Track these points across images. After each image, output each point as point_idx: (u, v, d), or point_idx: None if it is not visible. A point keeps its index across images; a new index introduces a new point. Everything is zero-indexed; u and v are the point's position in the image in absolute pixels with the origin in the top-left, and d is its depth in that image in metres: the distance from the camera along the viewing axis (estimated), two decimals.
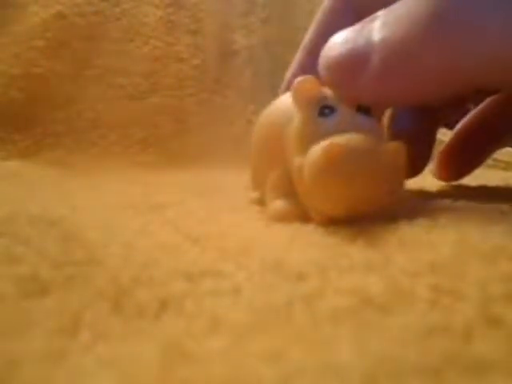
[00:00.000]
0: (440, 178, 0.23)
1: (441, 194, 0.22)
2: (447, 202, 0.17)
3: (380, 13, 0.14)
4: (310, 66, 0.19)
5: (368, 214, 0.13)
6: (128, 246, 0.12)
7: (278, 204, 0.15)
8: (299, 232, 0.13)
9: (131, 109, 0.45)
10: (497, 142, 0.23)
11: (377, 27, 0.14)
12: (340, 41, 0.14)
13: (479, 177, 0.25)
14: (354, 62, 0.14)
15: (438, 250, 0.10)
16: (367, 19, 0.14)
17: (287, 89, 0.18)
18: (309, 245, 0.12)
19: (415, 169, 0.21)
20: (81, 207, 0.18)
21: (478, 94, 0.21)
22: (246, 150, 0.20)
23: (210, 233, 0.13)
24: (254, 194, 0.20)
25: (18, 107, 0.42)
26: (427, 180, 0.24)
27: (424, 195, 0.21)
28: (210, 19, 0.51)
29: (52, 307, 0.08)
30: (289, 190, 0.15)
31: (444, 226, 0.12)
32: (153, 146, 0.44)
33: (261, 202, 0.19)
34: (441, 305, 0.08)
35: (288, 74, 0.20)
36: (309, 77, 0.14)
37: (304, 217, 0.14)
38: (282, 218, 0.15)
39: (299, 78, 0.14)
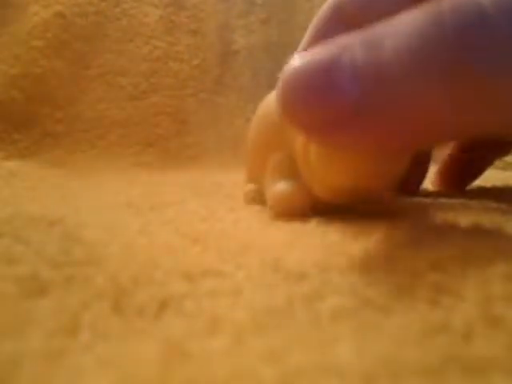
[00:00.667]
0: (442, 186, 0.23)
1: (440, 195, 0.22)
2: (447, 202, 0.17)
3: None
4: None
5: (370, 195, 0.13)
6: (128, 246, 0.12)
7: (280, 186, 0.15)
8: (299, 232, 0.13)
9: (131, 109, 0.45)
10: (499, 152, 0.23)
11: (358, 47, 0.10)
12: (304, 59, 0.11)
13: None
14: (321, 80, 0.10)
15: (438, 250, 0.10)
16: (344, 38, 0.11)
17: None
18: (309, 245, 0.12)
19: (410, 188, 0.21)
20: (81, 207, 0.18)
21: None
22: (245, 150, 0.20)
23: (209, 233, 0.13)
24: (250, 186, 0.20)
25: (18, 107, 0.42)
26: (427, 180, 0.24)
27: (424, 195, 0.21)
28: (210, 19, 0.51)
29: (52, 307, 0.08)
30: (290, 172, 0.15)
31: (444, 226, 0.12)
32: (153, 146, 0.44)
33: (257, 193, 0.19)
34: (441, 305, 0.08)
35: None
36: None
37: (305, 200, 0.14)
38: (284, 199, 0.15)
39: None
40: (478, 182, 0.24)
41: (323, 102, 0.10)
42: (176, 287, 0.09)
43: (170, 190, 0.25)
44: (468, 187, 0.24)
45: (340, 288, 0.09)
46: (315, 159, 0.13)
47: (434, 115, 0.10)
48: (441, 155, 0.24)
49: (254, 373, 0.06)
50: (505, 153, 0.24)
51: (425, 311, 0.07)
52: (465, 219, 0.13)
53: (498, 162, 0.44)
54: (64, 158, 0.40)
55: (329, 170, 0.13)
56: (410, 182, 0.21)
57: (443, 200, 0.20)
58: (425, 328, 0.07)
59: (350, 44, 0.10)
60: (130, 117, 0.44)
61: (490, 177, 0.25)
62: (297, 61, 0.11)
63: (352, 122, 0.10)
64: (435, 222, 0.13)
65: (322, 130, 0.10)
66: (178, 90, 0.47)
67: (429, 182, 0.23)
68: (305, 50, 0.18)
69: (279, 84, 0.11)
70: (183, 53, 0.49)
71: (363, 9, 0.16)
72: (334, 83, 0.10)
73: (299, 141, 0.13)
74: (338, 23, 0.17)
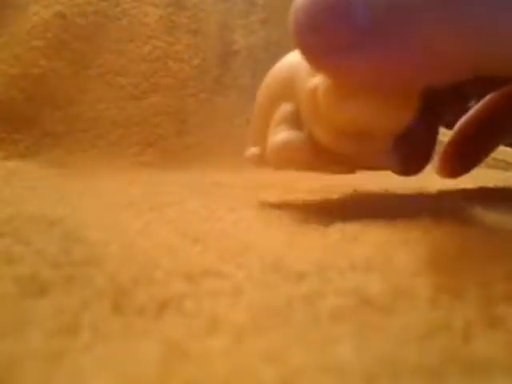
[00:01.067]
0: (442, 174, 0.23)
1: (441, 194, 0.22)
2: (447, 201, 0.17)
3: None
4: None
5: (374, 143, 0.13)
6: (128, 246, 0.12)
7: (283, 134, 0.15)
8: (299, 232, 0.13)
9: (131, 109, 0.45)
10: (499, 138, 0.23)
11: None
12: None
13: (479, 177, 0.25)
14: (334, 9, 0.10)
15: (438, 249, 0.10)
16: None
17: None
18: (309, 245, 0.12)
19: (416, 166, 0.21)
20: (81, 207, 0.18)
21: (477, 85, 0.21)
22: (245, 150, 0.20)
23: (209, 233, 0.13)
24: (254, 149, 0.19)
25: (18, 107, 0.42)
26: (428, 179, 0.24)
27: (424, 195, 0.21)
28: (210, 19, 0.51)
29: (52, 307, 0.08)
30: (295, 124, 0.15)
31: (444, 226, 0.12)
32: (153, 145, 0.44)
33: (260, 157, 0.18)
34: (441, 305, 0.08)
35: None
36: None
37: (308, 152, 0.14)
38: (286, 148, 0.14)
39: None
40: (480, 182, 0.24)
41: (335, 25, 0.10)
42: (176, 287, 0.09)
43: (170, 190, 0.25)
44: (469, 187, 0.24)
45: (340, 288, 0.09)
46: (322, 101, 0.13)
47: (439, 45, 0.10)
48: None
49: (254, 373, 0.06)
50: (505, 140, 0.24)
51: (425, 311, 0.07)
52: (465, 219, 0.13)
53: (499, 163, 0.44)
54: (64, 157, 0.40)
55: (335, 111, 0.13)
56: (416, 162, 0.20)
57: (443, 200, 0.20)
58: (425, 328, 0.07)
59: None
60: (130, 117, 0.44)
61: (491, 177, 0.25)
62: None
63: (361, 46, 0.10)
64: (435, 222, 0.13)
65: (331, 53, 0.11)
66: (178, 90, 0.47)
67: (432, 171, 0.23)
68: None
69: (293, 7, 0.11)
70: (183, 53, 0.49)
71: None
72: (346, 8, 0.10)
73: (307, 87, 0.13)
74: None
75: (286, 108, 0.15)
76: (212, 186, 0.27)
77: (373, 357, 0.06)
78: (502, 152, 0.43)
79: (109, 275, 0.10)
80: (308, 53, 0.11)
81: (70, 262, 0.10)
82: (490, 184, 0.25)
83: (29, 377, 0.06)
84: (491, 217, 0.13)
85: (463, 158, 0.23)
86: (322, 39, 0.10)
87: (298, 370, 0.06)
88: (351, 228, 0.13)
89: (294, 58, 0.16)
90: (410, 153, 0.14)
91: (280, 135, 0.15)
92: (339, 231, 0.13)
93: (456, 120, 0.23)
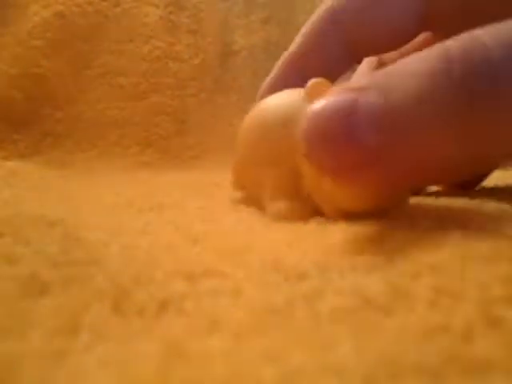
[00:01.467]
0: (455, 186, 0.23)
1: (441, 195, 0.22)
2: (447, 202, 0.17)
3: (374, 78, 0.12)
4: (290, 77, 0.19)
5: (383, 209, 0.13)
6: (128, 246, 0.12)
7: (283, 204, 0.15)
8: (299, 232, 0.13)
9: (131, 109, 0.45)
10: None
11: (372, 95, 0.11)
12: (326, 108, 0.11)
13: None
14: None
15: (438, 250, 0.10)
16: (355, 84, 0.12)
17: (263, 97, 0.18)
18: (309, 245, 0.12)
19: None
20: (81, 207, 0.18)
21: None
22: (235, 156, 0.20)
23: (209, 233, 0.13)
24: (238, 194, 0.20)
25: (18, 107, 0.42)
26: None
27: (424, 195, 0.21)
28: (210, 19, 0.51)
29: (52, 307, 0.08)
30: (293, 189, 0.15)
31: (444, 227, 0.12)
32: (153, 145, 0.44)
33: (247, 201, 0.18)
34: (441, 305, 0.08)
35: (266, 82, 0.20)
36: (322, 79, 0.15)
37: (309, 217, 0.14)
38: (287, 218, 0.15)
39: (313, 80, 0.15)
40: None
41: (344, 149, 0.11)
42: (176, 287, 0.09)
43: (170, 190, 0.25)
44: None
45: (340, 288, 0.09)
46: (328, 187, 0.13)
47: (443, 153, 0.11)
48: None
49: (254, 373, 0.06)
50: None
51: (425, 311, 0.07)
52: (465, 219, 0.13)
53: None
54: (64, 157, 0.40)
55: (342, 197, 0.13)
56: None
57: (444, 200, 0.20)
58: (425, 328, 0.07)
59: (365, 88, 0.11)
60: (130, 117, 0.44)
61: (491, 176, 0.25)
62: (317, 105, 0.11)
63: (371, 166, 0.11)
64: (435, 222, 0.13)
65: (342, 173, 0.11)
66: (178, 90, 0.47)
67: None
68: (295, 54, 0.19)
69: (302, 125, 0.11)
70: (183, 53, 0.49)
71: (360, 25, 0.18)
72: (353, 131, 0.11)
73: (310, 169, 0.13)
74: (333, 33, 0.18)
75: (276, 174, 0.15)
76: (212, 185, 0.27)
77: (373, 357, 0.06)
78: None
79: (109, 275, 0.10)
80: (320, 171, 0.12)
81: (69, 262, 0.10)
82: (491, 183, 0.25)
83: (29, 377, 0.06)
84: (491, 216, 0.13)
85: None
86: (331, 161, 0.11)
87: (298, 369, 0.06)
88: (351, 228, 0.13)
89: (285, 108, 0.16)
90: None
91: (278, 205, 0.15)
92: (339, 231, 0.13)
93: None
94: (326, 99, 0.11)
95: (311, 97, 0.14)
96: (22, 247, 0.12)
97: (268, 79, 0.20)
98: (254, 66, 0.51)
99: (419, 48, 0.15)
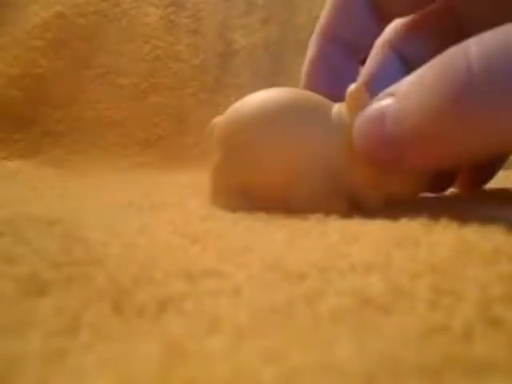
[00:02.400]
0: (462, 188, 0.23)
1: (441, 194, 0.22)
2: (447, 201, 0.17)
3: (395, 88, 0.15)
4: (329, 51, 0.20)
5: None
6: (128, 246, 0.12)
7: (336, 202, 0.16)
8: (299, 232, 0.13)
9: (131, 109, 0.45)
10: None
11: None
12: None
13: None
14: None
15: (438, 250, 0.10)
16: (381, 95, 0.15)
17: (309, 74, 0.20)
18: (309, 245, 0.12)
19: (444, 185, 0.22)
20: (81, 207, 0.18)
21: None
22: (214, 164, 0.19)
23: (209, 233, 0.13)
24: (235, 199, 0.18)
25: (18, 107, 0.42)
26: None
27: (424, 195, 0.21)
28: (210, 19, 0.51)
29: (52, 307, 0.08)
30: (332, 188, 0.16)
31: (444, 227, 0.12)
32: (153, 145, 0.44)
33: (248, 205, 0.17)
34: (441, 305, 0.08)
35: (308, 58, 0.20)
36: (362, 86, 0.16)
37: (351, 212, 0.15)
38: (339, 215, 0.15)
39: (353, 87, 0.16)
40: None
41: (382, 147, 0.15)
42: (176, 287, 0.09)
43: (170, 190, 0.25)
44: None
45: (340, 288, 0.09)
46: (382, 177, 0.16)
47: (450, 144, 0.13)
48: None
49: (254, 373, 0.06)
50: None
51: (425, 311, 0.07)
52: (465, 219, 0.13)
53: None
54: (64, 157, 0.40)
55: (396, 183, 0.16)
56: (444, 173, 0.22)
57: (444, 199, 0.20)
58: (425, 328, 0.07)
59: (389, 103, 0.15)
60: (130, 117, 0.44)
61: (494, 177, 0.25)
62: (366, 112, 0.15)
63: (401, 160, 0.15)
64: (435, 222, 0.13)
65: (385, 164, 0.15)
66: (178, 90, 0.47)
67: None
68: (328, 27, 0.20)
69: (357, 131, 0.15)
70: (183, 53, 0.49)
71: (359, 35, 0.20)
72: (384, 136, 0.15)
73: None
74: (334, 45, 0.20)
75: (313, 179, 0.16)
76: None
77: (373, 357, 0.06)
78: None
79: (109, 275, 0.10)
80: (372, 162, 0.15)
81: (70, 262, 0.10)
82: (490, 184, 0.25)
83: (29, 377, 0.06)
84: (491, 216, 0.13)
85: (481, 169, 0.23)
86: (376, 156, 0.15)
87: (297, 369, 0.06)
88: (351, 228, 0.13)
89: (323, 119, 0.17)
90: (438, 175, 0.18)
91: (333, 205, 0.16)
92: (339, 231, 0.13)
93: None
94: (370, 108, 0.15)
95: (354, 104, 0.16)
96: (21, 247, 0.12)
97: (308, 57, 0.20)
98: (253, 66, 0.51)
99: (435, 14, 0.20)
